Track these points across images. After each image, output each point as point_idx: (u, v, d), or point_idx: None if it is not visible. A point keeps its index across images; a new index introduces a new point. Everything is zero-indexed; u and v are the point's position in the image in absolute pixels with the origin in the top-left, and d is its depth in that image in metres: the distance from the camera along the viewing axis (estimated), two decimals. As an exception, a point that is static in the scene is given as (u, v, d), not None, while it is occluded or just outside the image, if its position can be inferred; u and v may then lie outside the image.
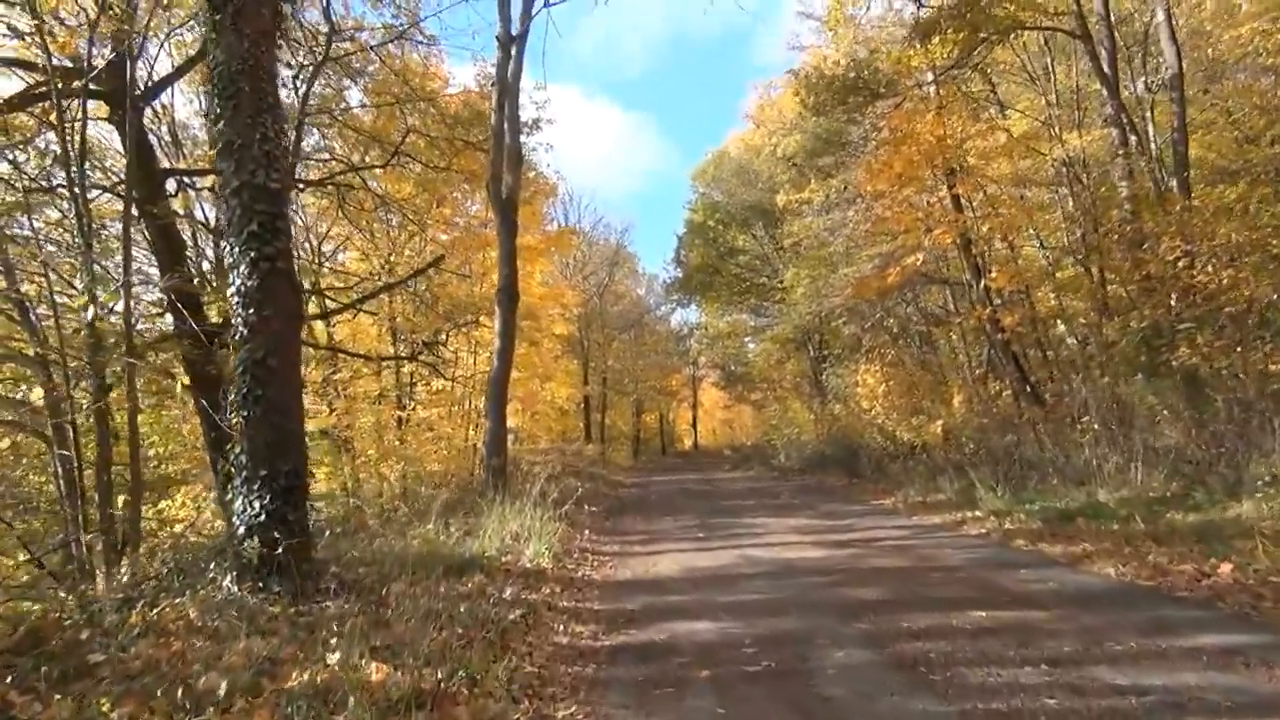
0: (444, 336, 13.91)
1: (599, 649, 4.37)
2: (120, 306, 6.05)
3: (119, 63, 6.89)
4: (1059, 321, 12.77)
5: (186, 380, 6.90)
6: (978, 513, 8.55)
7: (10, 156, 7.19)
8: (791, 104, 18.43)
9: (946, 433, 13.08)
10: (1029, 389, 12.18)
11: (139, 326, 8.09)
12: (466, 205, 16.13)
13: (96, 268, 7.15)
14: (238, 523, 4.50)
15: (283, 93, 8.56)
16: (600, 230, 33.92)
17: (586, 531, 9.13)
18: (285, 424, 4.68)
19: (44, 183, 7.40)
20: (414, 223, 12.85)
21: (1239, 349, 8.25)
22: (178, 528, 7.40)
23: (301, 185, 10.17)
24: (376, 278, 12.50)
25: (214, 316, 7.60)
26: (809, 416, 21.78)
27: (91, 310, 5.28)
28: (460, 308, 13.65)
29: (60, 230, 7.92)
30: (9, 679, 2.83)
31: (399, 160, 10.76)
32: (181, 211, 9.19)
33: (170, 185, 8.61)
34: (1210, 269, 8.81)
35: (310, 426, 10.70)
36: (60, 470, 5.88)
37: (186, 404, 8.61)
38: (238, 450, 4.56)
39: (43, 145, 7.59)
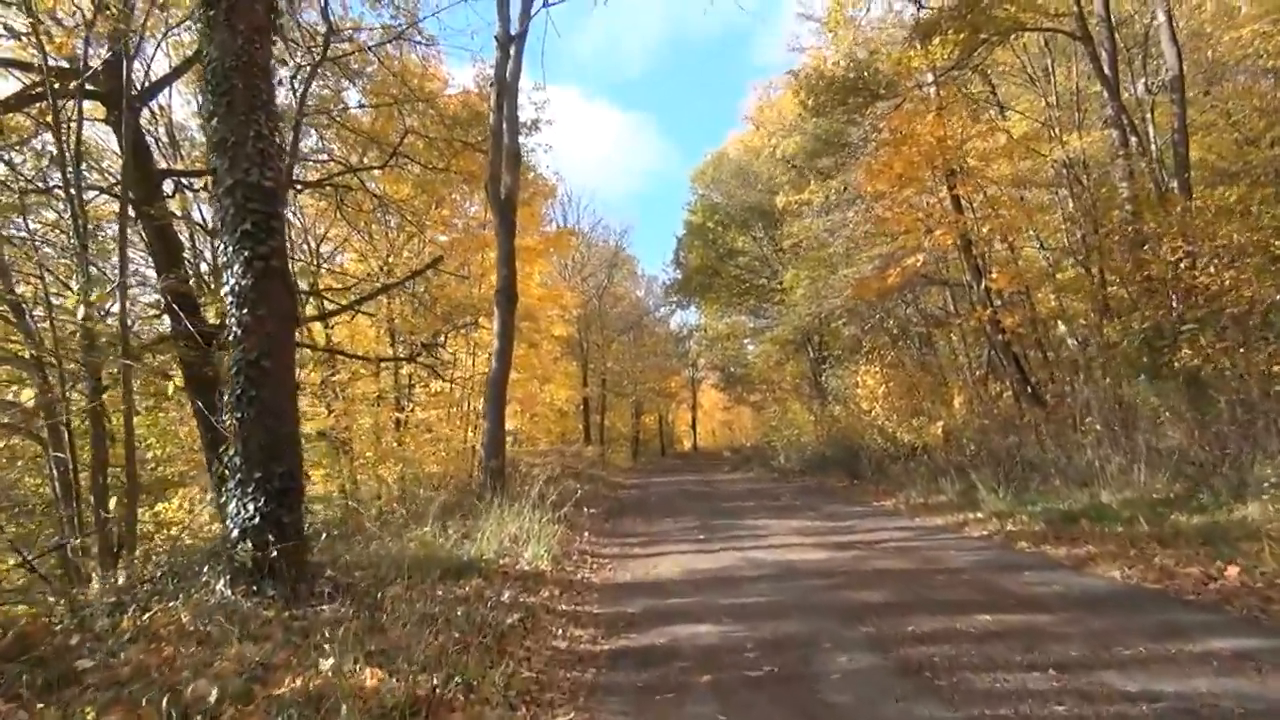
0: (442, 338, 13.85)
1: (598, 653, 4.31)
2: (116, 308, 6.01)
3: (115, 63, 6.84)
4: (1059, 322, 12.72)
5: (181, 382, 6.84)
6: (980, 514, 8.49)
7: (6, 157, 7.16)
8: (791, 105, 18.41)
9: (947, 434, 13.02)
10: (1030, 390, 12.13)
11: (136, 328, 8.05)
12: (465, 206, 16.09)
13: (93, 269, 7.12)
14: (231, 525, 4.44)
15: (280, 93, 8.54)
16: (599, 231, 33.95)
17: (586, 533, 9.08)
18: (279, 426, 4.62)
19: (40, 184, 7.36)
20: (412, 224, 12.80)
21: (1242, 350, 8.20)
22: (174, 530, 7.33)
23: (299, 186, 10.13)
24: (375, 279, 12.44)
25: (212, 318, 7.54)
26: (809, 418, 21.71)
27: (83, 310, 5.22)
28: (459, 309, 13.60)
29: (56, 231, 7.88)
30: (-5, 686, 2.77)
31: (397, 161, 10.73)
32: (179, 213, 9.16)
33: (168, 186, 8.56)
34: (1212, 270, 8.76)
35: (308, 428, 10.69)
36: (55, 473, 5.83)
37: (184, 406, 8.55)
38: (231, 452, 4.50)
39: (39, 146, 7.57)
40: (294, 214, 11.84)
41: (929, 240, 12.65)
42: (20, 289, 6.42)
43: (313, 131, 10.63)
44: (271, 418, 4.57)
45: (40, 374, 5.84)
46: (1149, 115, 12.33)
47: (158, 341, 7.79)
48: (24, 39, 6.61)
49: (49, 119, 6.34)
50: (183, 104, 13.34)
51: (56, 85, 6.12)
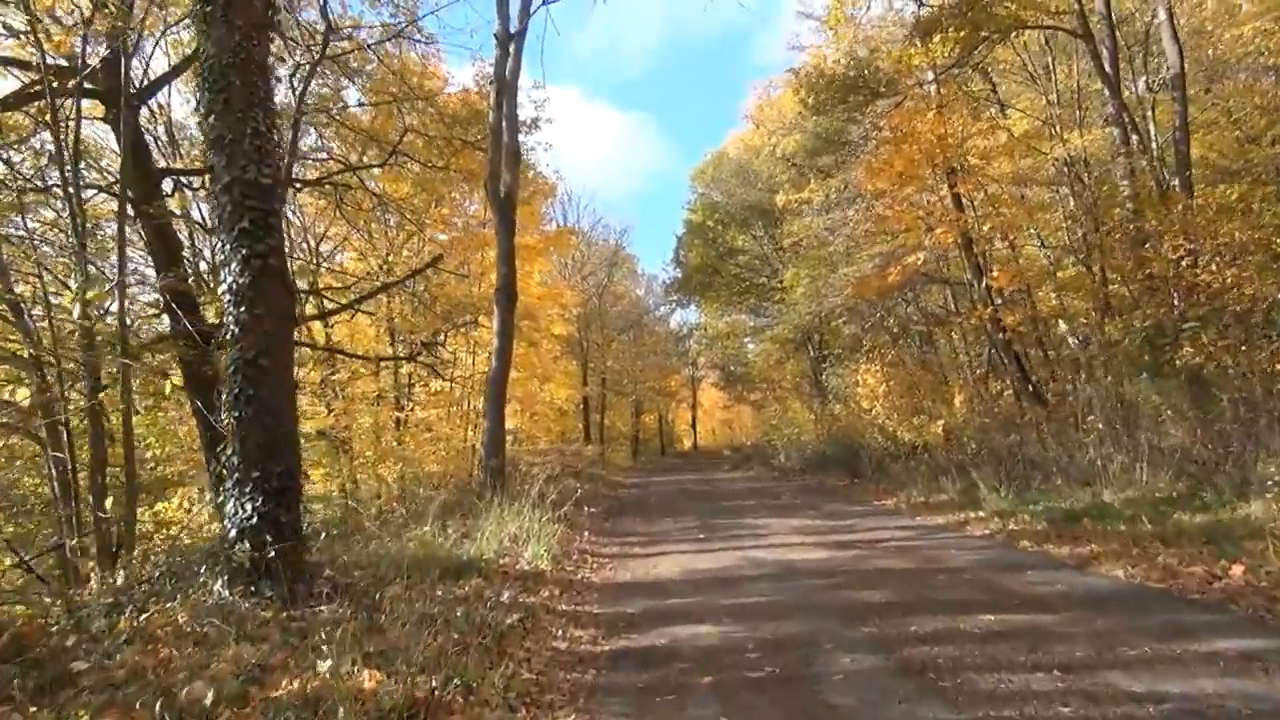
0: (442, 337, 13.82)
1: (599, 654, 4.28)
2: (115, 306, 5.98)
3: (114, 61, 6.82)
4: (1060, 321, 12.69)
5: (180, 381, 6.82)
6: (981, 513, 8.47)
7: (5, 156, 7.14)
8: (791, 103, 18.36)
9: (948, 433, 13.00)
10: (1031, 389, 12.10)
11: (136, 327, 8.03)
12: (465, 205, 16.07)
13: (91, 268, 7.09)
14: (229, 525, 4.41)
15: (280, 91, 8.52)
16: (599, 230, 33.93)
17: (586, 533, 9.05)
18: (277, 425, 4.59)
19: (39, 182, 7.34)
20: (412, 222, 12.77)
21: (1244, 348, 8.18)
22: (173, 530, 7.31)
23: (299, 185, 10.10)
24: (374, 278, 12.42)
25: (211, 317, 7.52)
26: (809, 417, 21.69)
27: (78, 308, 5.20)
28: (458, 308, 13.58)
29: (55, 230, 7.86)
30: (-12, 688, 2.74)
31: (397, 160, 10.70)
32: (178, 211, 9.12)
33: (167, 185, 8.54)
34: (1214, 268, 8.74)
35: (308, 427, 10.66)
36: (54, 472, 5.81)
37: (183, 405, 8.53)
38: (229, 452, 4.48)
39: (38, 145, 7.55)
40: (293, 213, 11.81)
41: (929, 238, 12.62)
42: (19, 288, 6.40)
43: (312, 130, 10.61)
44: (269, 417, 4.54)
45: (39, 373, 5.82)
46: (1150, 113, 12.30)
47: (157, 340, 7.77)
48: (22, 37, 6.59)
49: (47, 117, 6.32)
50: (182, 102, 13.24)
51: (55, 83, 6.10)
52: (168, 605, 3.92)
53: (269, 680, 3.00)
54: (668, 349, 38.82)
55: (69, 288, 6.74)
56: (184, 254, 8.57)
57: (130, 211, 7.03)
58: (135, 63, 7.81)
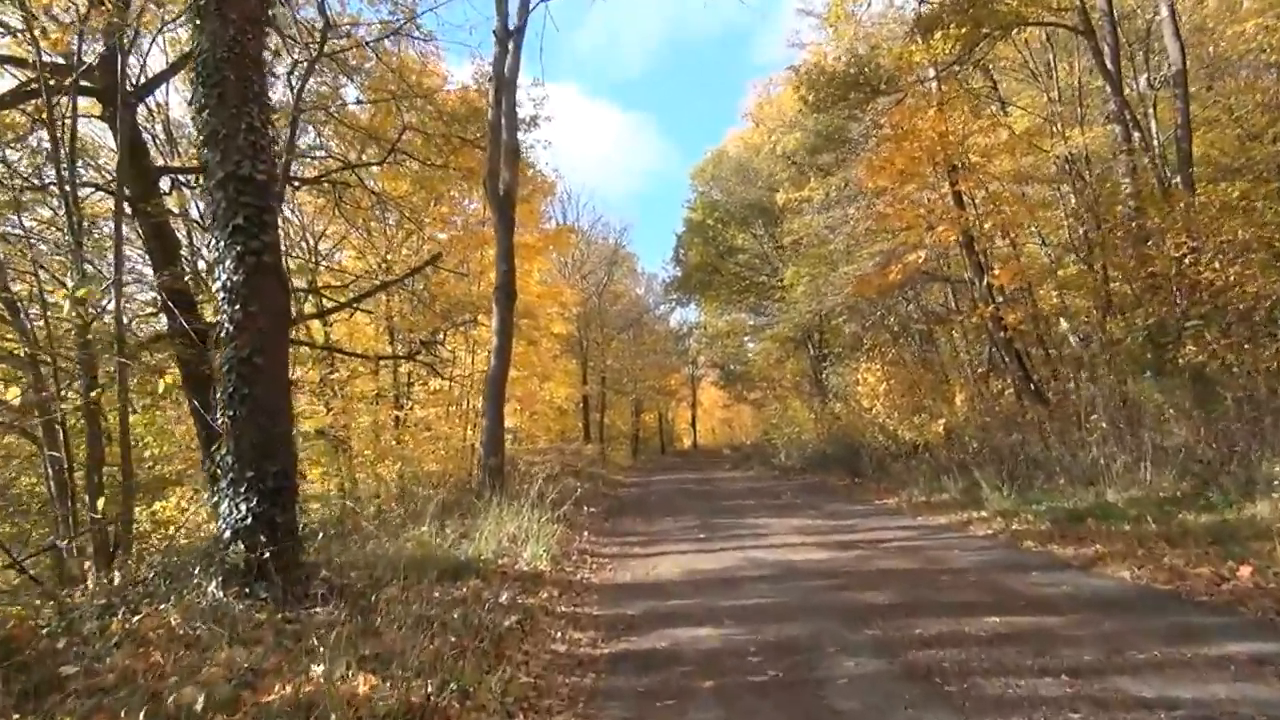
0: (442, 335, 13.77)
1: (598, 657, 4.22)
2: (112, 305, 5.93)
3: (111, 59, 6.78)
4: (1062, 319, 12.64)
5: (177, 380, 6.77)
6: (983, 513, 8.41)
7: (1, 154, 7.09)
8: (791, 101, 18.27)
9: (949, 432, 12.94)
10: (1033, 387, 12.04)
11: (133, 326, 7.98)
12: (464, 203, 16.00)
13: (88, 266, 7.05)
14: (223, 526, 4.36)
15: (277, 88, 8.47)
16: (599, 229, 33.85)
17: (585, 533, 9.00)
18: (272, 424, 4.54)
19: (35, 180, 7.30)
20: (411, 221, 12.71)
21: (1247, 346, 8.12)
22: (170, 530, 7.25)
23: (297, 183, 10.04)
24: (373, 276, 12.37)
25: (209, 315, 7.47)
26: (809, 415, 21.63)
27: (69, 305, 5.14)
28: (458, 306, 13.52)
29: (52, 229, 7.81)
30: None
31: (396, 157, 10.65)
32: (176, 210, 9.06)
33: (164, 183, 8.48)
34: (1216, 265, 8.68)
35: (306, 426, 10.61)
36: (51, 471, 5.76)
37: (181, 404, 8.47)
38: (224, 451, 4.42)
39: (34, 143, 7.50)
40: (292, 211, 11.74)
41: (930, 236, 12.55)
42: (15, 286, 6.36)
43: (310, 128, 10.54)
44: (264, 416, 4.49)
45: (35, 372, 5.77)
46: (1151, 110, 12.25)
47: (155, 339, 7.72)
48: (18, 35, 6.54)
49: (44, 116, 6.26)
50: (180, 100, 13.18)
51: (51, 81, 6.03)
52: (161, 607, 3.86)
53: (262, 685, 2.93)
54: (667, 348, 38.76)
55: (66, 286, 6.69)
56: (182, 252, 8.51)
57: (128, 210, 6.98)
58: (132, 60, 7.77)
